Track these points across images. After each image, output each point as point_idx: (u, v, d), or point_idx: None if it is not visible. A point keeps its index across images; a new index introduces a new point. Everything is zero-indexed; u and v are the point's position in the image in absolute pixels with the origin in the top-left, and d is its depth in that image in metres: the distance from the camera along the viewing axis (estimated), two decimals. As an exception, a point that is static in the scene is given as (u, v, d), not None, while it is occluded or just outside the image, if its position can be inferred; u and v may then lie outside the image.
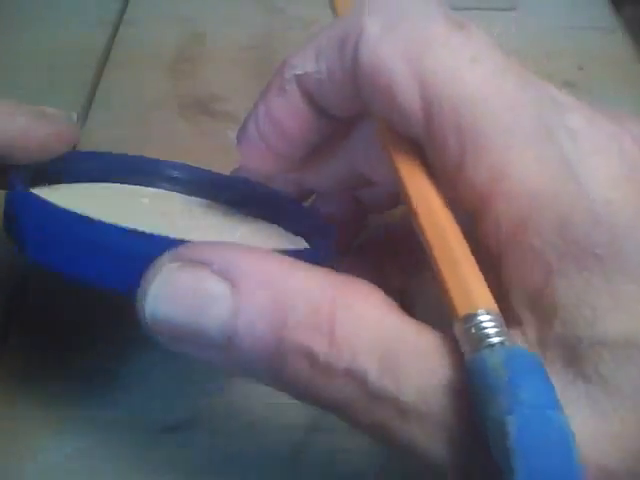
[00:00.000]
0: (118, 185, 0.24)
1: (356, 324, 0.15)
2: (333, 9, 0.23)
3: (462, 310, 0.15)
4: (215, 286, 0.15)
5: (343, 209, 0.25)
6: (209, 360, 0.16)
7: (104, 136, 0.33)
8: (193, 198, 0.24)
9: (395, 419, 0.15)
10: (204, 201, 0.24)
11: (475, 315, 0.14)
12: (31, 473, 0.22)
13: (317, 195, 0.25)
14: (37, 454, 0.22)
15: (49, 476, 0.22)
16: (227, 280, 0.15)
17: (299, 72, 0.19)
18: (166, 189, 0.24)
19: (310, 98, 0.20)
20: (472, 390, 0.14)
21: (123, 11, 0.40)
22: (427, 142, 0.17)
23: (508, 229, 0.16)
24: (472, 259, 0.16)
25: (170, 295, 0.15)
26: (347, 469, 0.22)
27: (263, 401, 0.24)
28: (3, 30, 0.38)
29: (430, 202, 0.17)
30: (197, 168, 0.25)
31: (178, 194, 0.24)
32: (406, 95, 0.17)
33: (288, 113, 0.20)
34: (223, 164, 0.32)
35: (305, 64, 0.19)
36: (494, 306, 0.15)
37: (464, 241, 0.16)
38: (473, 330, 0.14)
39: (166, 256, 0.16)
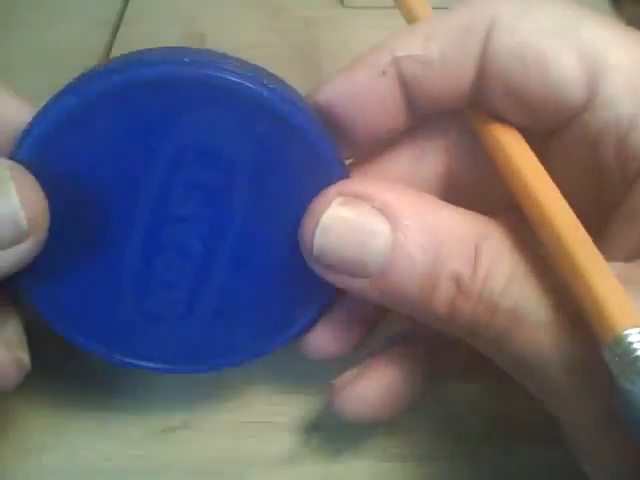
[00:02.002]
0: None
1: (495, 252, 0.17)
2: (406, 15, 0.22)
3: (611, 330, 0.14)
4: (376, 222, 0.17)
5: None
6: (359, 291, 0.18)
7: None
8: None
9: (515, 328, 0.16)
10: None
11: (626, 336, 0.13)
12: (31, 473, 0.22)
13: None
14: (37, 454, 0.22)
15: (49, 476, 0.22)
16: (386, 217, 0.17)
17: (401, 54, 0.18)
18: None
19: (405, 87, 0.19)
20: (623, 411, 0.13)
21: (123, 11, 0.40)
22: (587, 110, 0.17)
23: None
24: (608, 267, 0.15)
25: (337, 229, 0.17)
26: (347, 469, 0.22)
27: (263, 401, 0.24)
28: (3, 30, 0.38)
29: (560, 201, 0.16)
30: None
31: None
32: (562, 67, 0.17)
33: (375, 99, 0.19)
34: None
35: (410, 47, 0.18)
36: None
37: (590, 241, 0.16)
38: (624, 353, 0.13)
39: (332, 191, 0.17)
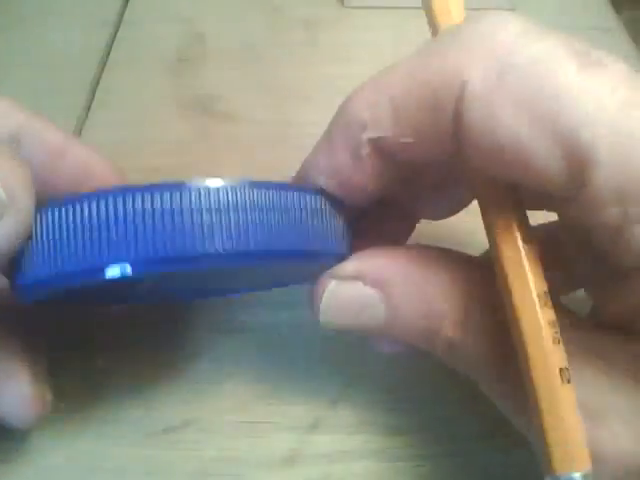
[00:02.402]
0: None
1: (480, 320, 0.18)
2: (430, 16, 0.18)
3: (551, 468, 0.14)
4: (370, 296, 0.18)
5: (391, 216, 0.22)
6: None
7: (104, 136, 0.33)
8: None
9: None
10: None
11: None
12: (31, 474, 0.22)
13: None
14: (37, 454, 0.22)
15: (49, 477, 0.22)
16: (379, 288, 0.18)
17: (373, 135, 0.16)
18: None
19: (388, 158, 0.17)
20: None
21: (123, 11, 0.40)
22: (572, 203, 0.15)
23: None
24: (574, 399, 0.15)
25: (337, 308, 0.19)
26: (347, 469, 0.22)
27: (263, 401, 0.24)
28: (3, 30, 0.38)
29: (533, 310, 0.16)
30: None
31: None
32: (544, 160, 0.15)
33: (362, 175, 0.18)
34: (221, 164, 0.32)
35: (380, 125, 0.16)
36: (588, 466, 0.14)
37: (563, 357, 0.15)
38: None
39: (329, 275, 0.19)
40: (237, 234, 0.16)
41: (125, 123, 0.34)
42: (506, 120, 0.15)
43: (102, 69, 0.37)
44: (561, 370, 0.15)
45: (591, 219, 0.15)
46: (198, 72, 0.37)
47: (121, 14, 0.40)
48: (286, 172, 0.31)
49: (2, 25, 0.39)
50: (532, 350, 0.15)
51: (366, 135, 0.17)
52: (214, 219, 0.16)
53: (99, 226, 0.15)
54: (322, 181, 0.18)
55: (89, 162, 0.21)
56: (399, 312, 0.18)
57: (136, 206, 0.15)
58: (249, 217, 0.16)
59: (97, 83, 0.36)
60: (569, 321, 0.17)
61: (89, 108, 0.34)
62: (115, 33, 0.39)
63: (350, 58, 0.37)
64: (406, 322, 0.18)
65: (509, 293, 0.16)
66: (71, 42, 0.38)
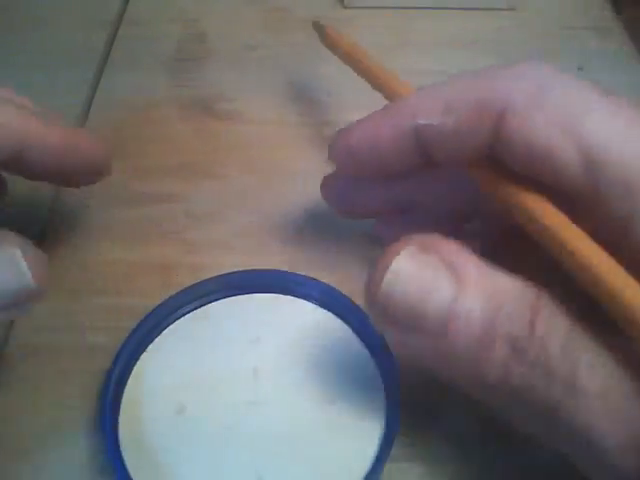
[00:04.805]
0: None
1: (551, 317, 0.17)
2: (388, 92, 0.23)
3: None
4: (442, 275, 0.17)
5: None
6: (415, 349, 0.18)
7: (104, 136, 0.33)
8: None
9: (570, 399, 0.16)
10: None
11: None
12: (30, 473, 0.22)
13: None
14: (36, 454, 0.22)
15: (49, 476, 0.22)
16: (451, 271, 0.17)
17: (422, 122, 0.20)
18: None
19: (423, 146, 0.21)
20: None
21: (123, 11, 0.40)
22: (588, 201, 0.18)
23: None
24: None
25: (406, 274, 0.18)
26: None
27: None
28: (3, 30, 0.38)
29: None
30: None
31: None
32: (567, 164, 0.18)
33: (396, 153, 0.21)
34: (222, 164, 0.32)
35: (430, 116, 0.20)
36: None
37: None
38: None
39: (404, 241, 0.18)
40: None
41: (125, 123, 0.34)
42: (540, 130, 0.18)
43: (102, 69, 0.37)
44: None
45: (603, 212, 0.18)
46: (198, 72, 0.37)
47: (121, 14, 0.40)
48: (286, 172, 0.31)
49: (2, 25, 0.39)
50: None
51: (415, 121, 0.20)
52: None
53: None
54: (361, 147, 0.22)
55: (93, 155, 0.25)
56: (464, 302, 0.17)
57: None
58: None
59: (97, 83, 0.36)
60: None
61: (89, 108, 0.34)
62: (115, 33, 0.39)
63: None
64: (468, 317, 0.17)
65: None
66: (71, 42, 0.38)
